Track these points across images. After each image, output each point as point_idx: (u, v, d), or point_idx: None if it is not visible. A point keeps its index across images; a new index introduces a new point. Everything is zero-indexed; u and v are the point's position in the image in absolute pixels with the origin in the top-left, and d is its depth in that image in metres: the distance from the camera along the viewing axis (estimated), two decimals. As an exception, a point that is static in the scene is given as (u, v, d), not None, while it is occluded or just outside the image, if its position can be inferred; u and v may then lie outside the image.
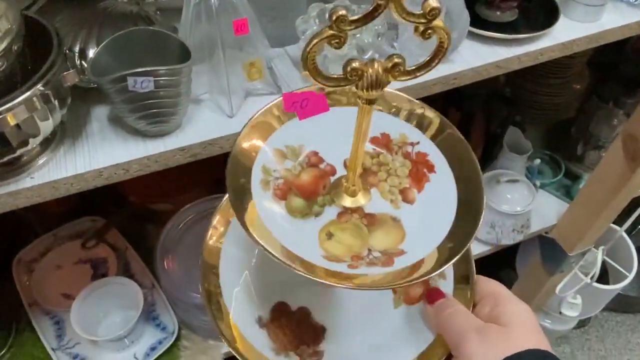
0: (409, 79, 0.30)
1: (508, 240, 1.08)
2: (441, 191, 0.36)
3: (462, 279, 0.42)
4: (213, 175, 1.00)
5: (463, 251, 0.32)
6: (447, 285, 0.42)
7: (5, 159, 0.46)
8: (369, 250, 0.34)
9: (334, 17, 0.26)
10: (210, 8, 0.50)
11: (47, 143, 0.51)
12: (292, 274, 0.31)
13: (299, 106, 0.37)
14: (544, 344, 0.34)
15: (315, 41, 0.27)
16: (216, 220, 0.43)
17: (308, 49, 0.28)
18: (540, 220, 1.14)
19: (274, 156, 0.36)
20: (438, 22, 0.27)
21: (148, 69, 0.47)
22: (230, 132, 0.55)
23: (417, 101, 0.40)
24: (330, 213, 0.36)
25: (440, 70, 0.62)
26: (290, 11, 0.62)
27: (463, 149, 0.37)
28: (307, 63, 0.28)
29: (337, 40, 0.27)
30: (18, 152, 0.46)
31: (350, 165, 0.35)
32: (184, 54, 0.51)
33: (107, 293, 0.84)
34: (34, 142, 0.47)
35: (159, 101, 0.49)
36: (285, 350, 0.40)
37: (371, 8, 0.27)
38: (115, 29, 0.52)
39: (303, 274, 0.30)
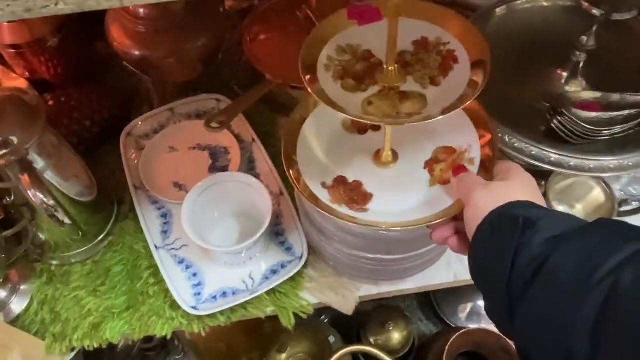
0: None
1: None
2: (461, 75, 0.48)
3: (485, 167, 0.52)
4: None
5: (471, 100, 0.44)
6: (473, 170, 0.53)
7: None
8: (397, 113, 0.46)
9: None
10: None
11: None
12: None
13: (359, 16, 0.49)
14: (538, 200, 0.43)
15: None
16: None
17: None
18: None
19: (336, 50, 0.50)
20: None
21: None
22: None
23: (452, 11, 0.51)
24: (373, 90, 0.48)
25: None
26: None
27: (481, 39, 0.49)
28: None
29: None
30: None
31: (388, 43, 0.46)
32: None
33: (228, 192, 0.66)
34: None
35: None
36: (339, 202, 0.52)
37: None
38: None
39: (353, 117, 0.44)
